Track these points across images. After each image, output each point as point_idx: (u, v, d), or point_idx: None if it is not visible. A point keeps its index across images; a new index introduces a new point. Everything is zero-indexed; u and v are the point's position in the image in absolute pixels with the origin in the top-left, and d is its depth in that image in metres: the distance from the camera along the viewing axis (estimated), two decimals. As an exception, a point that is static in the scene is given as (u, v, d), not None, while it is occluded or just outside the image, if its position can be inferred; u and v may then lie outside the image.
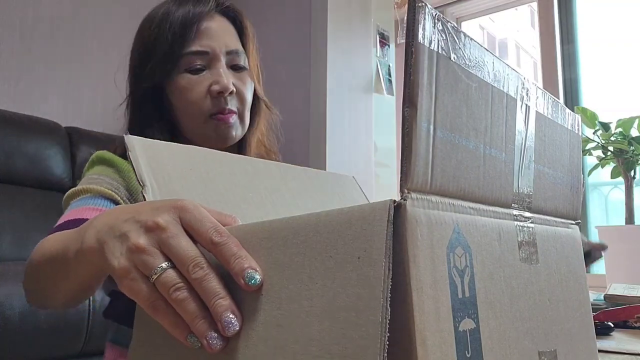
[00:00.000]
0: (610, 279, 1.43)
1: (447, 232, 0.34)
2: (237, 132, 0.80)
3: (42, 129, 1.97)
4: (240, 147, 0.86)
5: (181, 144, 0.56)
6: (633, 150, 1.55)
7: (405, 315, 0.31)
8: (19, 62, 2.10)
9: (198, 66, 0.78)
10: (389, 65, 2.40)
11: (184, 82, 0.78)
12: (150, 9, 0.83)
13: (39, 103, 2.15)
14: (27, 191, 1.90)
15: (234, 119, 0.79)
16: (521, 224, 0.43)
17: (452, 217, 0.35)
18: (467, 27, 2.82)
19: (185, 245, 0.36)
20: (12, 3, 2.10)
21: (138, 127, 0.80)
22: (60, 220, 0.65)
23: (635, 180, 1.59)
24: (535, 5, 2.33)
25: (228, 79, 0.78)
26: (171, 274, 0.36)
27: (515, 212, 0.43)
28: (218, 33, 0.80)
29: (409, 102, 0.33)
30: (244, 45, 0.84)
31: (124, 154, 0.79)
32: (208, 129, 0.78)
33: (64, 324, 1.36)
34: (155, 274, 0.36)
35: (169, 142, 0.54)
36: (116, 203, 0.68)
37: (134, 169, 0.49)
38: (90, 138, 2.08)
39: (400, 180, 0.32)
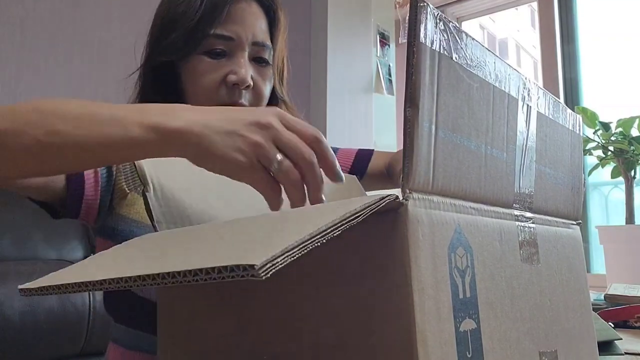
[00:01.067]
0: (610, 278, 1.43)
1: (449, 233, 0.34)
2: None
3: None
4: None
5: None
6: (633, 150, 1.55)
7: (406, 315, 0.31)
8: (19, 62, 2.10)
9: (219, 50, 0.72)
10: (389, 65, 2.39)
11: (201, 64, 0.72)
12: (150, 10, 0.80)
13: (39, 103, 2.15)
14: (27, 191, 1.90)
15: None
16: (522, 224, 0.43)
17: (454, 217, 0.35)
18: (467, 26, 2.81)
19: (296, 139, 0.44)
20: (12, 2, 2.10)
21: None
22: None
23: (635, 180, 1.59)
24: (535, 5, 2.33)
25: (247, 71, 0.72)
26: (288, 163, 0.43)
27: (516, 212, 0.43)
28: (249, 21, 0.74)
29: (411, 102, 0.33)
30: (272, 39, 0.78)
31: None
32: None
33: (64, 324, 1.36)
34: (276, 164, 0.43)
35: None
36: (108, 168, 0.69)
37: (136, 167, 0.49)
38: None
39: (402, 180, 0.32)
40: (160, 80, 0.76)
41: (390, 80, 2.39)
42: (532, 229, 0.44)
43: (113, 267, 0.38)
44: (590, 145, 1.63)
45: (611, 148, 1.59)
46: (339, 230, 0.29)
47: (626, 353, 0.72)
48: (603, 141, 1.61)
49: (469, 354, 0.33)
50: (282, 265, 0.27)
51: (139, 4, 2.28)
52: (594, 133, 1.63)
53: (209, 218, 0.52)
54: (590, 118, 1.62)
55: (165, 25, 0.74)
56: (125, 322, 0.71)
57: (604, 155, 1.62)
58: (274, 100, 0.81)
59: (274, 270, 0.26)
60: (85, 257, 1.81)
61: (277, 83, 0.81)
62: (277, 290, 0.38)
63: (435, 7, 0.34)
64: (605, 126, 1.61)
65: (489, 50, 0.40)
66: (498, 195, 0.41)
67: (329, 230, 0.29)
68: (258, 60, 0.76)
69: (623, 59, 2.70)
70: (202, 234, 0.40)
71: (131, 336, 0.71)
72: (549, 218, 0.49)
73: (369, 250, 0.33)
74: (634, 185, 1.59)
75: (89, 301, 1.41)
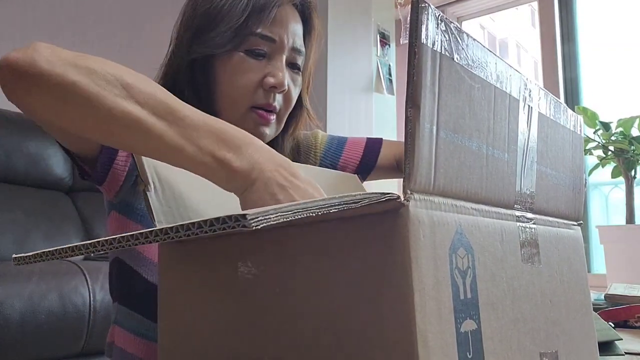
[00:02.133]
0: (610, 278, 1.43)
1: (450, 233, 0.34)
2: (271, 132, 0.76)
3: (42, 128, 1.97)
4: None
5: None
6: (633, 150, 1.55)
7: (407, 315, 0.31)
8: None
9: (260, 51, 0.73)
10: (390, 65, 2.39)
11: (242, 63, 0.72)
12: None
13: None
14: (27, 191, 1.90)
15: (273, 117, 0.74)
16: (523, 225, 0.43)
17: (455, 218, 0.35)
18: (467, 26, 2.81)
19: None
20: (12, 3, 2.10)
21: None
22: None
23: (635, 180, 1.59)
24: (535, 4, 2.33)
25: (285, 75, 0.73)
26: None
27: (517, 213, 0.43)
28: (292, 26, 0.75)
29: (412, 102, 0.33)
30: (306, 46, 0.79)
31: None
32: (247, 120, 0.73)
33: (65, 324, 1.36)
34: None
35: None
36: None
37: (137, 167, 0.49)
38: (91, 138, 2.07)
39: (403, 181, 0.32)
40: (193, 72, 0.75)
41: (391, 80, 2.39)
42: (533, 230, 0.44)
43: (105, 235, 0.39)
44: (591, 145, 1.63)
45: (611, 148, 1.59)
46: (335, 209, 0.29)
47: (626, 353, 0.72)
48: (603, 141, 1.61)
49: (470, 354, 0.33)
50: (275, 221, 0.27)
51: (140, 3, 2.27)
52: (594, 133, 1.63)
53: (210, 214, 0.52)
54: (590, 118, 1.62)
55: (209, 19, 0.74)
56: (132, 306, 0.72)
57: (604, 155, 1.62)
58: (298, 106, 0.82)
59: (265, 224, 0.26)
60: (85, 258, 1.81)
61: (304, 90, 0.82)
62: (277, 291, 0.38)
63: (436, 7, 0.34)
64: (606, 126, 1.61)
65: (490, 51, 0.40)
66: (499, 196, 0.41)
67: (326, 206, 0.29)
68: (292, 66, 0.77)
69: (623, 58, 2.70)
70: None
71: (137, 322, 0.71)
72: (550, 219, 0.49)
73: (369, 251, 0.33)
74: (634, 185, 1.59)
75: (89, 301, 1.41)
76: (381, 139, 0.95)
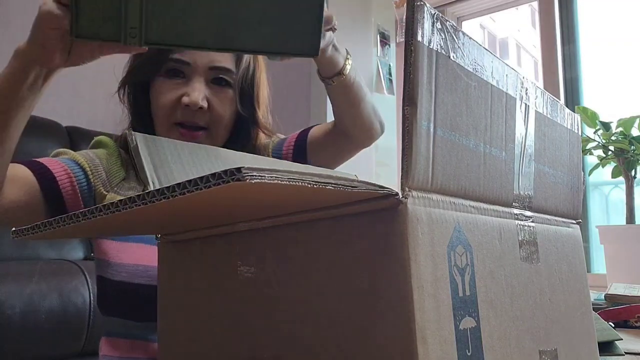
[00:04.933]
0: (610, 278, 1.43)
1: (448, 231, 0.34)
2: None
3: (42, 128, 1.97)
4: None
5: (183, 142, 0.56)
6: (634, 150, 1.55)
7: (406, 313, 0.31)
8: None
9: (178, 72, 0.78)
10: (390, 65, 2.39)
11: (162, 84, 0.79)
12: None
13: (39, 102, 2.15)
14: (28, 191, 1.89)
15: (200, 133, 0.79)
16: (522, 222, 0.43)
17: (453, 216, 0.35)
18: (467, 26, 2.81)
19: None
20: (12, 2, 2.10)
21: (135, 120, 0.83)
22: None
23: (636, 179, 1.59)
24: (536, 4, 2.33)
25: (200, 94, 0.77)
26: None
27: (515, 211, 0.43)
28: None
29: (409, 100, 0.33)
30: (238, 62, 0.81)
31: (124, 145, 0.82)
32: (173, 136, 0.78)
33: (65, 324, 1.36)
34: None
35: (172, 140, 0.56)
36: (85, 172, 0.74)
37: (135, 165, 0.49)
38: (91, 137, 2.06)
39: (401, 179, 0.32)
40: (138, 98, 0.83)
41: (391, 80, 2.39)
42: (531, 228, 0.44)
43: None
44: (591, 145, 1.63)
45: (611, 148, 1.59)
46: (331, 186, 0.29)
47: (626, 353, 0.72)
48: (603, 141, 1.61)
49: (469, 352, 0.33)
50: (269, 181, 0.27)
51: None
52: (594, 133, 1.63)
53: None
54: (590, 118, 1.62)
55: None
56: (112, 312, 0.75)
57: (604, 155, 1.62)
58: (242, 122, 0.83)
59: (258, 180, 0.26)
60: (85, 258, 1.81)
61: (244, 104, 0.82)
62: (276, 290, 0.38)
63: (435, 7, 0.34)
64: (606, 126, 1.61)
65: (486, 50, 0.40)
66: (497, 194, 0.41)
67: (322, 181, 0.29)
68: (218, 81, 0.79)
69: (623, 58, 2.70)
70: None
71: (119, 325, 0.74)
72: (549, 217, 0.49)
73: (367, 249, 0.33)
74: (635, 185, 1.59)
75: (89, 301, 1.41)
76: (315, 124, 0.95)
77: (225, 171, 0.26)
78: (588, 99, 2.17)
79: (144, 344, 0.72)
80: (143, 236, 0.72)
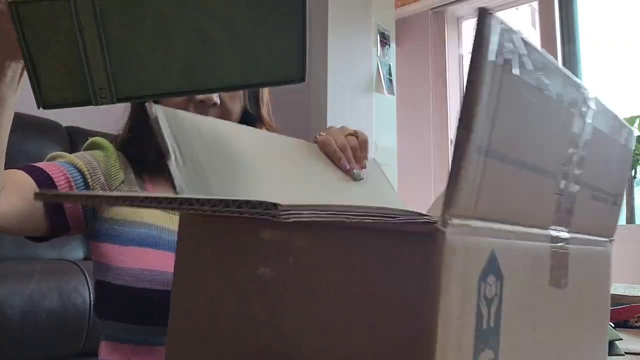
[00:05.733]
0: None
1: (483, 260, 0.32)
2: None
3: (42, 128, 1.97)
4: None
5: (204, 116, 0.56)
6: (634, 150, 1.55)
7: (427, 348, 0.29)
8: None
9: None
10: (390, 65, 2.39)
11: None
12: None
13: (39, 102, 2.15)
14: (28, 191, 1.89)
15: None
16: (557, 246, 0.41)
17: (490, 243, 0.33)
18: (467, 26, 2.81)
19: None
20: (12, 2, 2.10)
21: (133, 121, 0.83)
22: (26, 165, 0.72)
23: (636, 179, 1.59)
24: (535, 4, 2.33)
25: (216, 95, 0.77)
26: None
27: (554, 233, 0.41)
28: None
29: (465, 124, 0.30)
30: None
31: (119, 145, 0.82)
32: None
33: (65, 324, 1.36)
34: None
35: (193, 113, 0.56)
36: (83, 175, 0.73)
37: (157, 134, 0.49)
38: (91, 137, 2.07)
39: (444, 205, 0.30)
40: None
41: (391, 80, 2.39)
42: (565, 252, 0.42)
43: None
44: (591, 145, 1.62)
45: (611, 148, 1.59)
46: (370, 219, 0.28)
47: (626, 353, 0.72)
48: (603, 141, 1.61)
49: None
50: (306, 218, 0.25)
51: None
52: (594, 133, 1.63)
53: (233, 191, 0.51)
54: (590, 118, 1.62)
55: None
56: (112, 316, 0.75)
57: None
58: (248, 118, 0.85)
59: (296, 219, 0.24)
60: (85, 257, 1.81)
61: (251, 101, 0.84)
62: (300, 296, 0.37)
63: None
64: (606, 126, 1.61)
65: (552, 62, 0.37)
66: (538, 216, 0.39)
67: (362, 214, 0.28)
68: None
69: (623, 58, 2.70)
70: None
71: (118, 329, 0.74)
72: (585, 237, 0.47)
73: (399, 274, 0.31)
74: (635, 185, 1.59)
75: (89, 301, 1.41)
76: None
77: (261, 202, 0.25)
78: (588, 99, 2.17)
79: (148, 349, 0.71)
80: (147, 240, 0.72)
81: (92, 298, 1.42)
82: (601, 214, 0.50)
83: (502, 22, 0.31)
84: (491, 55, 0.30)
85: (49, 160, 0.76)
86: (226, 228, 0.42)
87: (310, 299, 0.36)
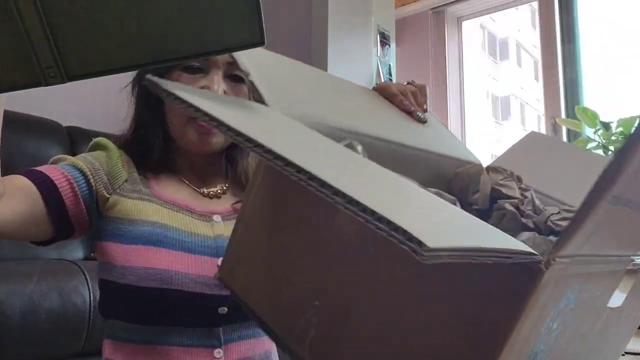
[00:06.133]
0: (610, 278, 1.43)
1: (565, 291, 0.32)
2: (219, 140, 0.79)
3: (42, 128, 1.97)
4: (229, 158, 0.86)
5: (285, 57, 0.56)
6: None
7: None
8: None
9: (195, 67, 0.77)
10: (390, 65, 2.40)
11: (178, 78, 0.77)
12: None
13: (39, 102, 2.15)
14: (28, 191, 1.89)
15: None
16: (632, 269, 0.40)
17: (577, 273, 0.33)
18: (467, 26, 2.82)
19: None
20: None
21: (137, 119, 0.82)
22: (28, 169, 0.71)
23: (636, 179, 1.59)
24: (536, 4, 2.33)
25: (220, 87, 0.77)
26: None
27: (637, 260, 0.40)
28: None
29: (608, 182, 0.29)
30: None
31: (123, 144, 0.82)
32: (189, 130, 0.77)
33: (65, 324, 1.36)
34: None
35: (274, 54, 0.57)
36: (85, 176, 0.73)
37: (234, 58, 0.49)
38: (91, 137, 2.05)
39: (554, 246, 0.29)
40: (151, 96, 0.80)
41: (391, 80, 2.39)
42: (636, 277, 0.42)
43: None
44: (591, 145, 1.63)
45: (612, 148, 1.59)
46: (490, 260, 0.27)
47: (626, 353, 0.72)
48: (604, 141, 1.61)
49: None
50: (446, 260, 0.24)
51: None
52: (594, 133, 1.63)
53: (320, 115, 0.50)
54: (590, 118, 1.62)
55: None
56: (115, 316, 0.75)
57: (604, 155, 1.63)
58: None
59: (435, 261, 0.23)
60: (85, 257, 1.81)
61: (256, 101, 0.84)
62: (382, 284, 0.36)
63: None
64: (606, 126, 1.61)
65: None
66: (630, 244, 0.38)
67: (484, 257, 0.27)
68: (233, 78, 0.79)
69: (623, 58, 2.70)
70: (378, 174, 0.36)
71: (121, 329, 0.74)
72: None
73: (484, 298, 0.31)
74: (635, 185, 1.59)
75: (89, 301, 1.41)
76: None
77: (404, 231, 0.23)
78: (588, 99, 2.17)
79: (151, 348, 0.71)
80: (151, 239, 0.72)
81: (92, 298, 1.42)
82: None
83: None
84: None
85: (52, 163, 0.76)
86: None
87: (386, 289, 0.35)
